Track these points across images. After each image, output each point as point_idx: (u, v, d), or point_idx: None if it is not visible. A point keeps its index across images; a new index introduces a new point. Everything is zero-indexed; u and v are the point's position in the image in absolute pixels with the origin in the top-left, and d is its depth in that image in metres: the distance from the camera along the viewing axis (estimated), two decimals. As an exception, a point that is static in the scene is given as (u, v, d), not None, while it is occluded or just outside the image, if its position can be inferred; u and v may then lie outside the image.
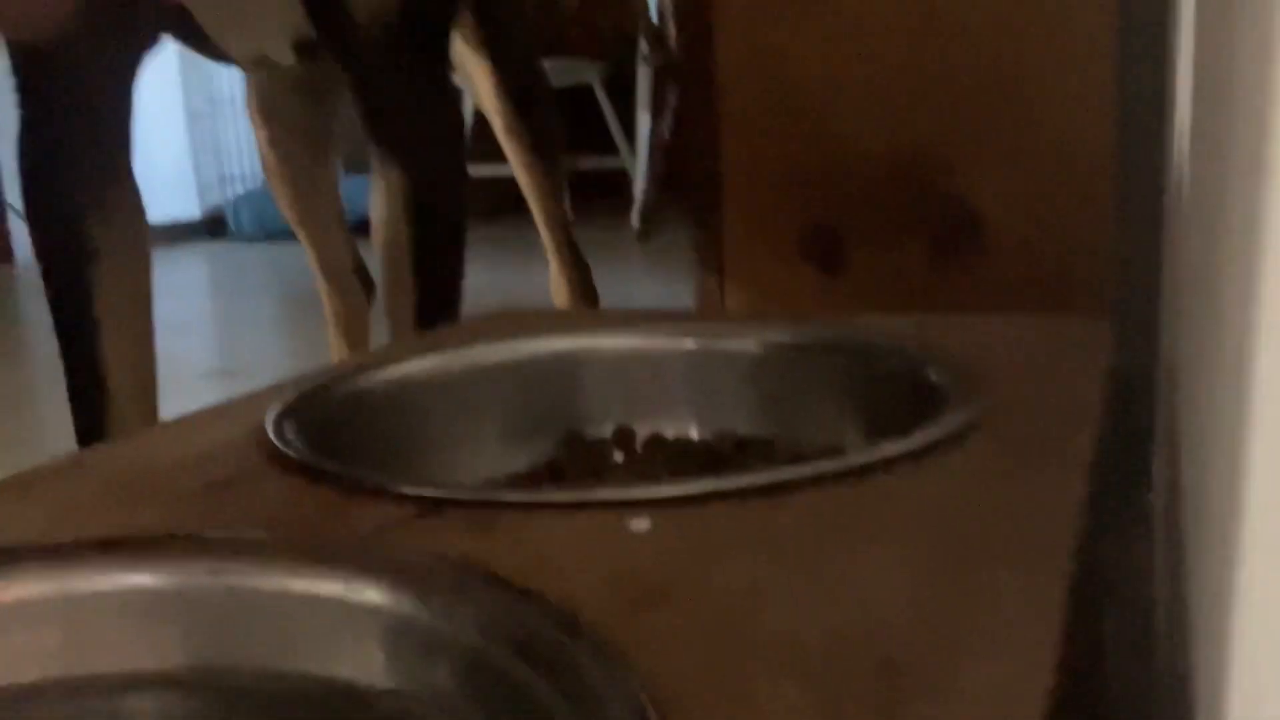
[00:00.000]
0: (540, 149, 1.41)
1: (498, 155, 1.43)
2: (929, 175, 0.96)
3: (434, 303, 0.95)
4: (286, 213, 1.41)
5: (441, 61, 0.99)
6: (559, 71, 2.57)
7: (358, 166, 1.32)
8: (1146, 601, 0.71)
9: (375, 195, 0.97)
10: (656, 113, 2.88)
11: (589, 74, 3.09)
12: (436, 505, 0.41)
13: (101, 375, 0.88)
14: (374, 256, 1.01)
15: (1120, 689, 0.65)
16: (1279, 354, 0.21)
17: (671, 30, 2.74)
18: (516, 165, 1.42)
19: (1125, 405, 0.61)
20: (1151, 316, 0.85)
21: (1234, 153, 0.30)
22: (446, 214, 0.98)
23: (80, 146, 0.89)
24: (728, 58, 1.00)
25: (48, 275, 0.90)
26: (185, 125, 3.68)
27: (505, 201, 1.50)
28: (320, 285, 1.46)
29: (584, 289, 1.51)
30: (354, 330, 1.45)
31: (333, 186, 1.42)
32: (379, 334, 1.33)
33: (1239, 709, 0.24)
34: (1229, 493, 0.25)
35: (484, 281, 1.23)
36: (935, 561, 0.35)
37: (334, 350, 1.46)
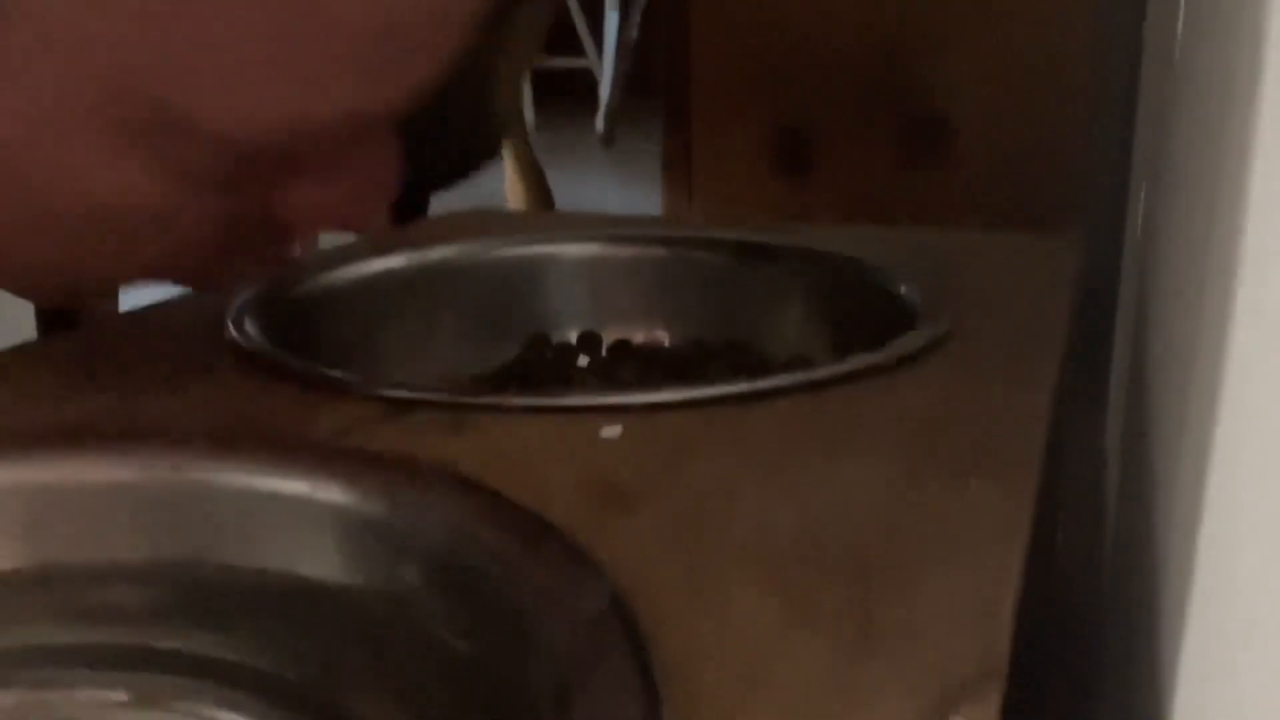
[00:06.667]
0: None
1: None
2: (900, 78, 0.95)
3: (413, 194, 0.93)
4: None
5: None
6: (525, -34, 2.49)
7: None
8: (1097, 502, 0.72)
9: None
10: (625, 11, 2.83)
11: (555, -31, 3.01)
12: (404, 406, 0.41)
13: None
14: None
15: (1072, 590, 0.67)
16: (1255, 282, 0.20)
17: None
18: None
19: (1089, 318, 0.62)
20: (1118, 228, 0.85)
21: (1212, 62, 0.29)
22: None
23: None
24: (700, -45, 0.98)
25: None
26: None
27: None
28: None
29: (539, 193, 1.49)
30: None
31: None
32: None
33: (1195, 619, 0.25)
34: (1196, 402, 0.25)
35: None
36: (906, 472, 0.35)
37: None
